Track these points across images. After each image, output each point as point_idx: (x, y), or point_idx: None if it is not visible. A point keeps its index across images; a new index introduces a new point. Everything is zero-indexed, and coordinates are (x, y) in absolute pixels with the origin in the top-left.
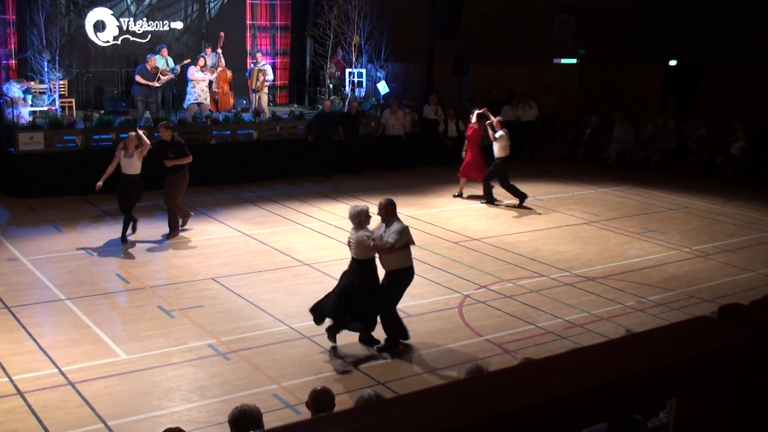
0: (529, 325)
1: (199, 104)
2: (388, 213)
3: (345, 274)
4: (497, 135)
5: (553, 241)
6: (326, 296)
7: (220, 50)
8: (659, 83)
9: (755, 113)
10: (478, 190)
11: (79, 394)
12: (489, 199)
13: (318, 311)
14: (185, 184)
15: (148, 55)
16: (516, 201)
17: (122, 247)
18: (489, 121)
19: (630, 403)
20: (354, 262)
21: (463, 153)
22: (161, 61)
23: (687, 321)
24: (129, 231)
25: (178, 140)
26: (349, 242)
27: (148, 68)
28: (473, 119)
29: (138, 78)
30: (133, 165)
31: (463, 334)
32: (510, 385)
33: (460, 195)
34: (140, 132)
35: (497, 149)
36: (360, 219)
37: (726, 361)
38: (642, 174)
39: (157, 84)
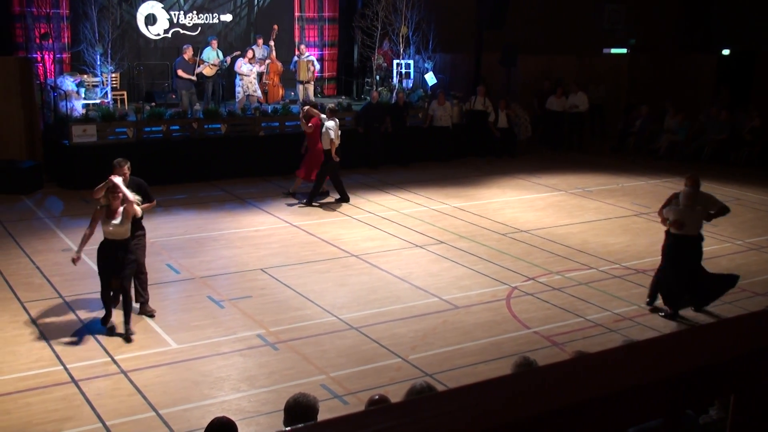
0: (577, 318)
1: (248, 96)
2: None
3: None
4: (326, 125)
5: (602, 232)
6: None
7: (272, 42)
8: (712, 73)
9: None
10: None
11: (131, 382)
12: (310, 199)
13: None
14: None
15: (184, 46)
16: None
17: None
18: (303, 114)
19: (685, 400)
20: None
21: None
22: (212, 53)
23: (745, 315)
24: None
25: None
26: (677, 222)
27: (186, 59)
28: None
29: (180, 72)
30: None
31: (510, 327)
32: (563, 379)
33: (293, 194)
34: (116, 181)
35: (324, 142)
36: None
37: None
38: (693, 165)
39: (194, 78)
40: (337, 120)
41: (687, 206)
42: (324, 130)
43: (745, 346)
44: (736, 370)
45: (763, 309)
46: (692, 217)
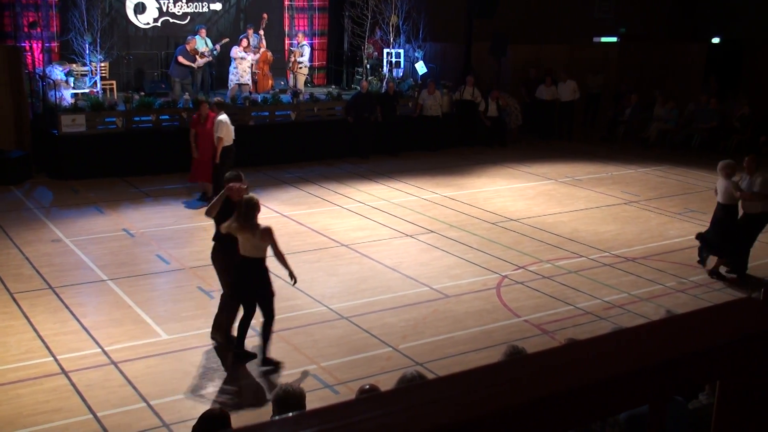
0: (567, 306)
1: (240, 85)
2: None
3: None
4: (221, 120)
5: (592, 221)
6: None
7: (262, 32)
8: (701, 61)
9: None
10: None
11: (122, 373)
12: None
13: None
14: None
15: (189, 37)
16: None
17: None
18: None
19: (672, 386)
20: (719, 206)
21: (195, 152)
22: (201, 42)
23: (731, 302)
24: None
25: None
26: (716, 190)
27: (188, 50)
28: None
29: (180, 59)
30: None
31: (501, 315)
32: (552, 366)
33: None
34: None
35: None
36: (726, 171)
37: None
38: (683, 153)
39: (195, 66)
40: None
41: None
42: (216, 125)
43: (731, 333)
44: (721, 356)
45: (747, 296)
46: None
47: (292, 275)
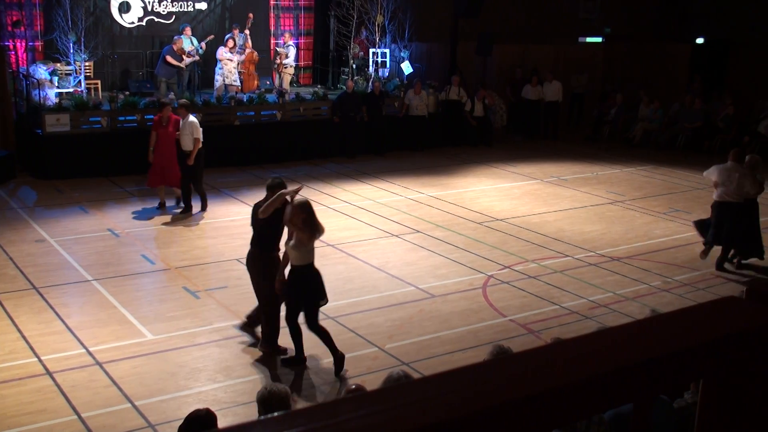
0: (553, 306)
1: (227, 86)
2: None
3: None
4: (191, 122)
5: (578, 221)
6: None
7: (247, 31)
8: (686, 61)
9: None
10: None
11: (107, 374)
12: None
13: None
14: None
15: (175, 37)
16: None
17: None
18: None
19: (656, 385)
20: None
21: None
22: (186, 41)
23: (714, 301)
24: None
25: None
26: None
27: (175, 49)
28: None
29: (168, 58)
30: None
31: (487, 315)
32: (536, 365)
33: (163, 205)
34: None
35: (189, 141)
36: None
37: (754, 341)
38: (668, 153)
39: (183, 65)
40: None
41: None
42: (190, 127)
43: (714, 332)
44: (705, 355)
45: (729, 296)
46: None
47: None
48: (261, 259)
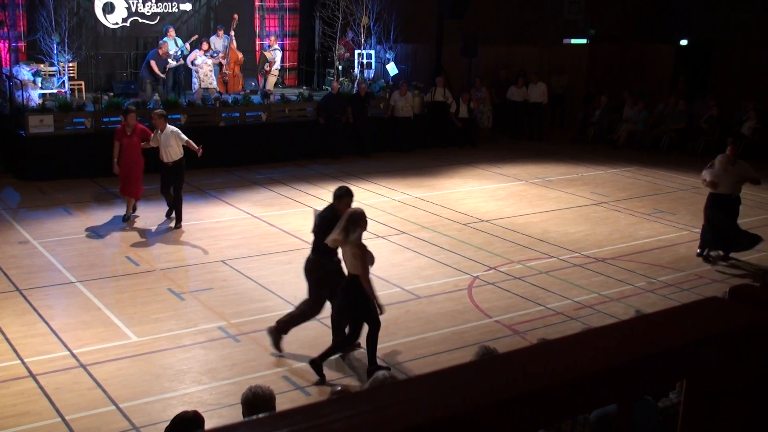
0: (538, 306)
1: (206, 89)
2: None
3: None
4: (173, 132)
5: (562, 222)
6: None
7: (232, 32)
8: (670, 63)
9: (767, 93)
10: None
11: (91, 376)
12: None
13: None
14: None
15: (161, 41)
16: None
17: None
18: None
19: (640, 385)
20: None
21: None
22: (171, 43)
23: (697, 302)
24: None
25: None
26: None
27: (161, 54)
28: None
29: (152, 63)
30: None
31: (472, 316)
32: (521, 366)
33: (128, 218)
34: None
35: (176, 151)
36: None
37: (737, 342)
38: (652, 155)
39: (162, 76)
40: None
41: (721, 170)
42: (174, 137)
43: (697, 332)
44: (688, 355)
45: (712, 297)
46: (725, 178)
47: (379, 306)
48: (318, 265)
